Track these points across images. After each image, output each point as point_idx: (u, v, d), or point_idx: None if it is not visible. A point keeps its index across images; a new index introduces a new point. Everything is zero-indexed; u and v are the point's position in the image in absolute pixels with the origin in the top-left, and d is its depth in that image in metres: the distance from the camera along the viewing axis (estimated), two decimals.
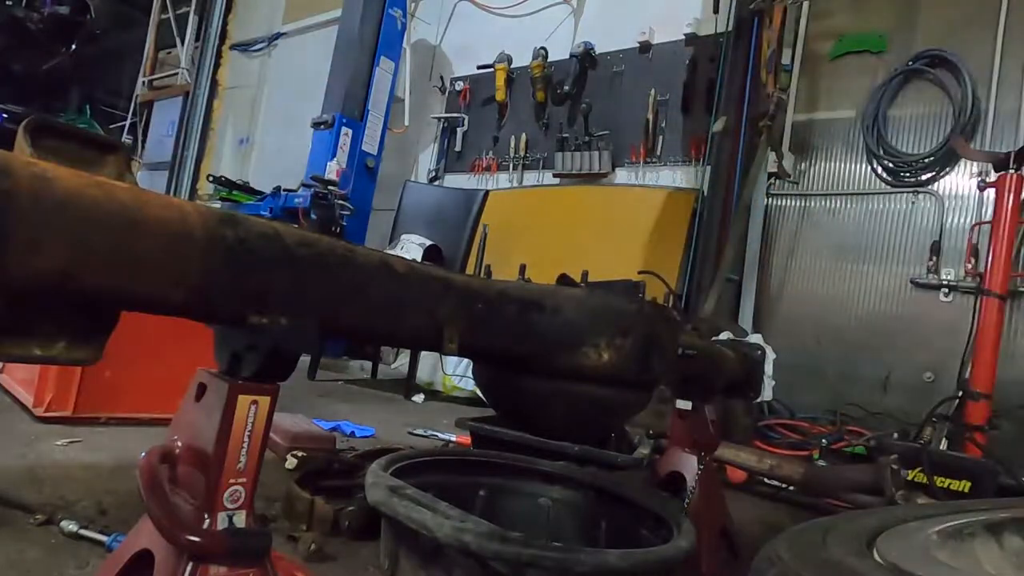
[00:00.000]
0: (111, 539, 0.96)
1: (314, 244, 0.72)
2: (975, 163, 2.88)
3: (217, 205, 3.68)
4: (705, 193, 3.36)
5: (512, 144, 4.24)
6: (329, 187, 3.70)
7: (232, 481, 0.63)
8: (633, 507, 1.02)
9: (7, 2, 6.07)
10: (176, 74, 6.63)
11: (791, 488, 1.99)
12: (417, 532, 0.75)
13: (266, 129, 6.03)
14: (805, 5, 3.35)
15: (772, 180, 3.35)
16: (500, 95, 4.30)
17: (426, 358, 3.28)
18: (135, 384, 1.74)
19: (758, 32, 3.25)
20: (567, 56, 4.02)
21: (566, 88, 3.98)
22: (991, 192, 2.55)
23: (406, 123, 4.62)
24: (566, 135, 4.01)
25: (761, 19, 3.26)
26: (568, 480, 1.08)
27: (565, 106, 4.04)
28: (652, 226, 3.51)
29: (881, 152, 3.14)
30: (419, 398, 3.10)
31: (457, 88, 4.60)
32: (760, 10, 3.27)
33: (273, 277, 0.66)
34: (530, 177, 4.20)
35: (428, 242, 3.38)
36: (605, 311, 1.07)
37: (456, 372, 3.26)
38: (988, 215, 2.67)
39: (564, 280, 1.21)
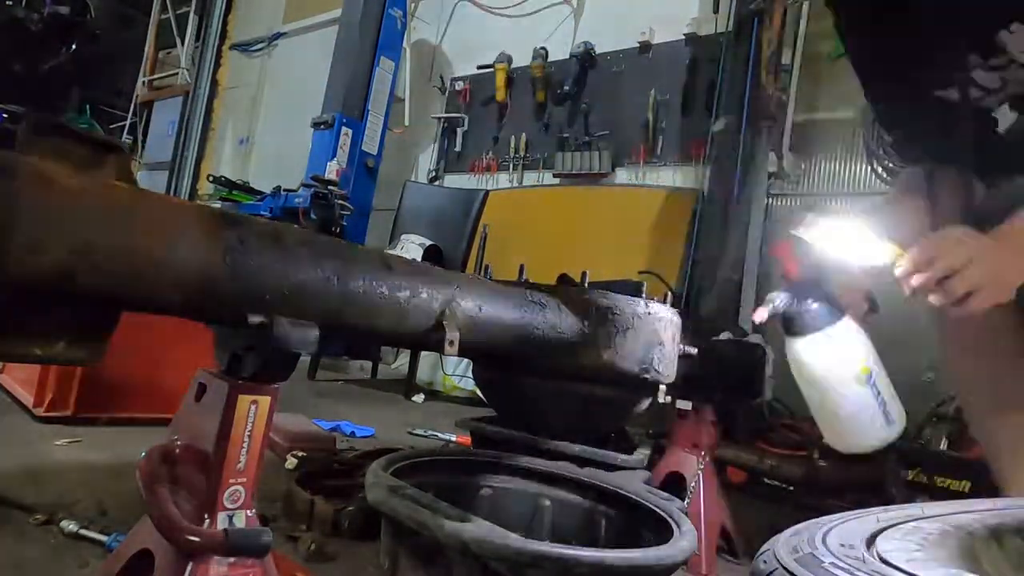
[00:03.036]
0: (111, 539, 0.96)
1: (314, 244, 0.72)
2: None
3: (217, 205, 3.68)
4: (705, 193, 3.36)
5: (512, 144, 4.24)
6: (329, 187, 3.70)
7: (232, 481, 0.63)
8: (633, 507, 1.02)
9: (7, 2, 6.07)
10: (176, 74, 6.63)
11: (791, 488, 1.99)
12: (417, 532, 0.75)
13: (266, 129, 6.03)
14: (805, 5, 3.35)
15: (772, 180, 3.35)
16: (500, 95, 4.30)
17: (426, 358, 3.28)
18: (135, 384, 1.74)
19: (758, 32, 3.25)
20: (567, 56, 4.02)
21: (566, 88, 3.98)
22: None
23: (406, 123, 4.62)
24: (566, 135, 4.01)
25: (761, 19, 3.26)
26: (568, 480, 1.08)
27: (565, 106, 4.04)
28: (652, 226, 3.51)
29: (881, 152, 3.14)
30: (419, 398, 3.10)
31: (457, 88, 4.61)
32: (760, 10, 3.27)
33: (273, 277, 0.66)
34: (530, 177, 4.20)
35: (428, 242, 3.38)
36: (605, 311, 1.07)
37: (456, 372, 3.26)
38: None
39: (564, 280, 1.21)
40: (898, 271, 1.01)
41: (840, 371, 0.98)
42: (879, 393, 0.98)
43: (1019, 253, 0.99)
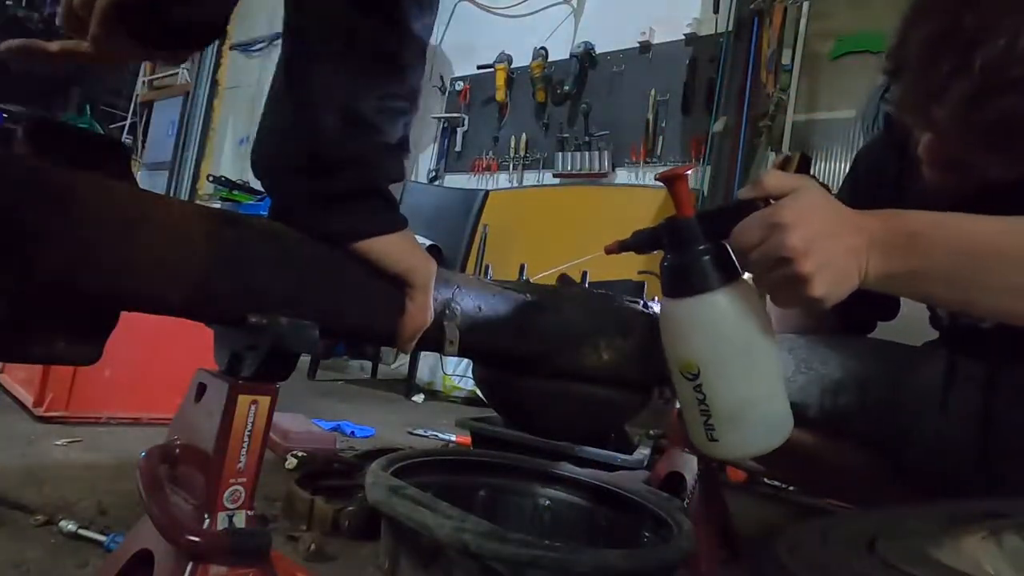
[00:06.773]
0: (109, 539, 0.96)
1: (314, 244, 0.72)
2: None
3: (217, 205, 3.68)
4: (705, 193, 3.36)
5: (512, 144, 4.24)
6: None
7: (232, 481, 0.63)
8: (633, 507, 1.02)
9: (7, 2, 6.07)
10: (176, 74, 6.63)
11: (791, 488, 1.99)
12: (417, 532, 0.75)
13: None
14: (805, 5, 3.35)
15: None
16: (500, 95, 4.30)
17: (426, 358, 3.28)
18: (135, 384, 1.74)
19: (758, 32, 3.25)
20: (567, 56, 4.02)
21: (566, 88, 3.98)
22: None
23: None
24: (566, 135, 4.01)
25: (761, 19, 3.26)
26: (568, 480, 1.08)
27: (565, 106, 4.04)
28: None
29: None
30: (419, 398, 3.10)
31: (457, 88, 4.60)
32: (760, 10, 3.27)
33: (273, 277, 0.66)
34: (530, 177, 4.20)
35: (428, 242, 3.38)
36: (605, 311, 1.07)
37: (456, 372, 3.26)
38: None
39: (564, 280, 1.21)
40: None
41: (672, 354, 0.75)
42: (703, 401, 0.73)
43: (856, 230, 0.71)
